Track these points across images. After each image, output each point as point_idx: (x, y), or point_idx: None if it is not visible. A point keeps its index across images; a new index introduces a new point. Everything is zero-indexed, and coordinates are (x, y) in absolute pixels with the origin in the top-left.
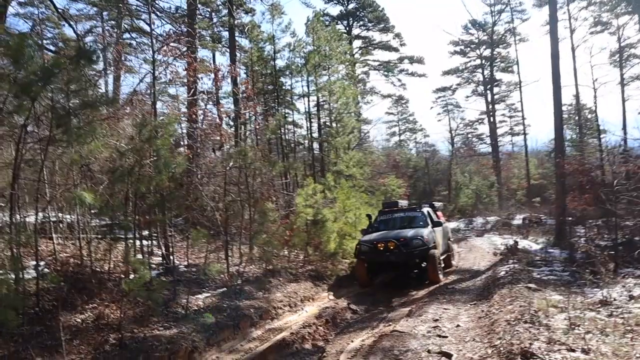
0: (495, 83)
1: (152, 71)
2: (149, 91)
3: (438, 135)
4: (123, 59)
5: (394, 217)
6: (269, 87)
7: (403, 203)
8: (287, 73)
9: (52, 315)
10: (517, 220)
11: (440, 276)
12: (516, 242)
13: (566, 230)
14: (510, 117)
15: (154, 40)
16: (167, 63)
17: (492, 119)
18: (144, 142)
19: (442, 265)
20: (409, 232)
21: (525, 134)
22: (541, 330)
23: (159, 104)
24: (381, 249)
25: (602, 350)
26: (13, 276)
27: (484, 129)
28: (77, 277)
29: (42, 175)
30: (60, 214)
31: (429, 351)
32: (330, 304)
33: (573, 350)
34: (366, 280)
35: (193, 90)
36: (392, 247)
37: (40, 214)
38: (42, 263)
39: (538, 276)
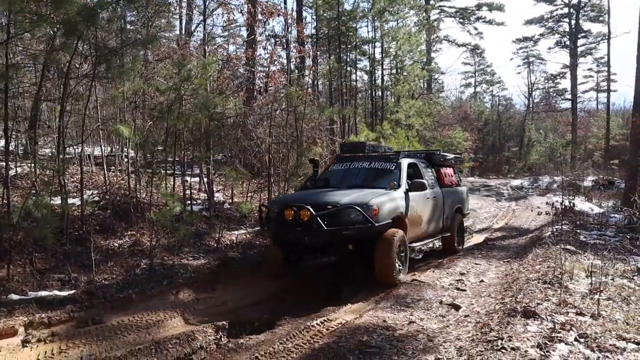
0: (582, 34)
1: (202, 13)
2: (212, 31)
3: (515, 88)
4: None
5: (351, 169)
6: (334, 31)
7: (381, 147)
8: (352, 17)
9: (93, 238)
10: (587, 182)
11: (401, 276)
12: (573, 203)
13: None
14: (598, 72)
15: None
16: (223, 4)
17: (574, 73)
18: (183, 81)
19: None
20: (347, 196)
21: (609, 90)
22: (558, 292)
23: (219, 45)
24: (289, 219)
25: (614, 317)
26: (59, 201)
27: (567, 84)
28: (121, 206)
29: (87, 109)
30: (120, 149)
31: (441, 302)
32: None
33: (582, 314)
34: (277, 266)
35: (250, 32)
36: (305, 220)
37: (107, 149)
38: (92, 192)
39: (584, 239)
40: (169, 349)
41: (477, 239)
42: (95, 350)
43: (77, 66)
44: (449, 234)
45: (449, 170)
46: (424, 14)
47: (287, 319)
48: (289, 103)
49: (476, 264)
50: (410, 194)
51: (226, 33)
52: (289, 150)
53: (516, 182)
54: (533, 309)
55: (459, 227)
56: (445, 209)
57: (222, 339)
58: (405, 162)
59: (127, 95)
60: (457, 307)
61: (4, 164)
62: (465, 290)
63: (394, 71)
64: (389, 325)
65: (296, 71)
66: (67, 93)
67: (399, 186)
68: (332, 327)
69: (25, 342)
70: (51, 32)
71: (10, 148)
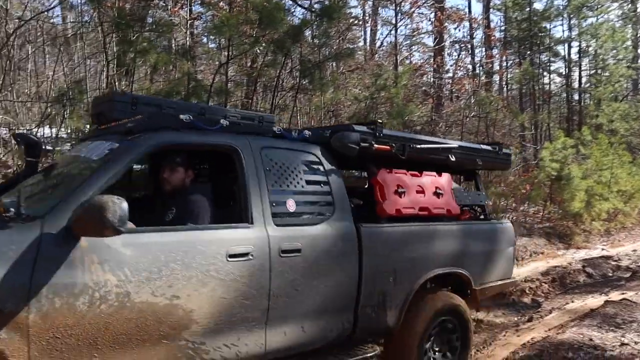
0: None
1: (394, 23)
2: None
3: None
4: (379, 12)
5: (61, 164)
6: (524, 33)
7: (172, 106)
8: (545, 16)
9: None
10: None
11: None
12: None
13: None
14: None
15: None
16: (410, 14)
17: None
18: (380, 90)
19: None
20: None
21: None
22: None
23: (406, 54)
24: None
25: None
26: None
27: None
28: None
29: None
30: None
31: None
32: (561, 263)
33: None
34: None
35: (438, 39)
36: None
37: None
38: None
39: None
40: None
41: None
42: None
43: (283, 80)
44: (395, 345)
45: (429, 179)
46: (630, 5)
47: None
48: (480, 109)
49: None
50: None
51: (408, 42)
52: None
53: None
54: None
55: (441, 327)
56: (366, 281)
57: None
58: (133, 150)
59: (324, 105)
60: None
61: None
62: None
63: (592, 72)
64: (597, 344)
65: (484, 76)
66: (275, 105)
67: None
68: (533, 341)
69: None
70: (257, 50)
71: None
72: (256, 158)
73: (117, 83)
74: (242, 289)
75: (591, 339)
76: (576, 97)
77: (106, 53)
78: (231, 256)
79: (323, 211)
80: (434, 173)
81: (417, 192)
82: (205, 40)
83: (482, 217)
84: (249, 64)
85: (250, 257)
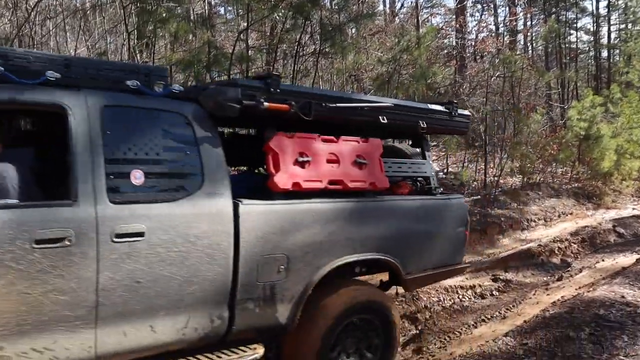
0: None
1: None
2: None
3: None
4: None
5: None
6: None
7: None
8: None
9: None
10: None
11: None
12: None
13: None
14: None
15: None
16: None
17: None
18: (402, 51)
19: None
20: None
21: None
22: None
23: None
24: None
25: None
26: None
27: None
28: None
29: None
30: None
31: None
32: (591, 224)
33: None
34: None
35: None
36: None
37: None
38: None
39: None
40: None
41: None
42: None
43: (303, 45)
44: (290, 345)
45: (349, 146)
46: None
47: None
48: (505, 69)
49: None
50: None
51: (429, 3)
52: (505, 119)
53: None
54: None
55: (356, 326)
56: (245, 271)
57: None
58: None
59: (346, 69)
60: None
61: None
62: None
63: (622, 26)
64: (629, 301)
65: (508, 36)
66: (296, 70)
67: None
68: (564, 299)
69: None
70: (277, 16)
71: None
72: (93, 119)
73: (138, 55)
74: (54, 282)
75: (623, 296)
76: (604, 53)
77: (126, 25)
78: (39, 242)
79: (185, 184)
80: (358, 138)
81: (329, 161)
82: (222, 11)
83: (431, 191)
84: (268, 33)
85: (67, 242)
